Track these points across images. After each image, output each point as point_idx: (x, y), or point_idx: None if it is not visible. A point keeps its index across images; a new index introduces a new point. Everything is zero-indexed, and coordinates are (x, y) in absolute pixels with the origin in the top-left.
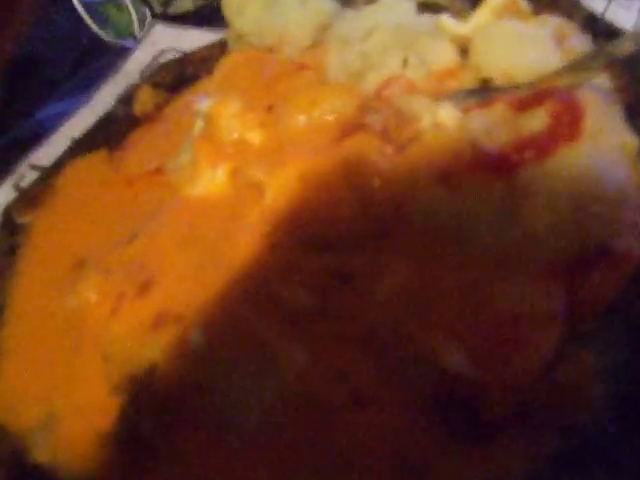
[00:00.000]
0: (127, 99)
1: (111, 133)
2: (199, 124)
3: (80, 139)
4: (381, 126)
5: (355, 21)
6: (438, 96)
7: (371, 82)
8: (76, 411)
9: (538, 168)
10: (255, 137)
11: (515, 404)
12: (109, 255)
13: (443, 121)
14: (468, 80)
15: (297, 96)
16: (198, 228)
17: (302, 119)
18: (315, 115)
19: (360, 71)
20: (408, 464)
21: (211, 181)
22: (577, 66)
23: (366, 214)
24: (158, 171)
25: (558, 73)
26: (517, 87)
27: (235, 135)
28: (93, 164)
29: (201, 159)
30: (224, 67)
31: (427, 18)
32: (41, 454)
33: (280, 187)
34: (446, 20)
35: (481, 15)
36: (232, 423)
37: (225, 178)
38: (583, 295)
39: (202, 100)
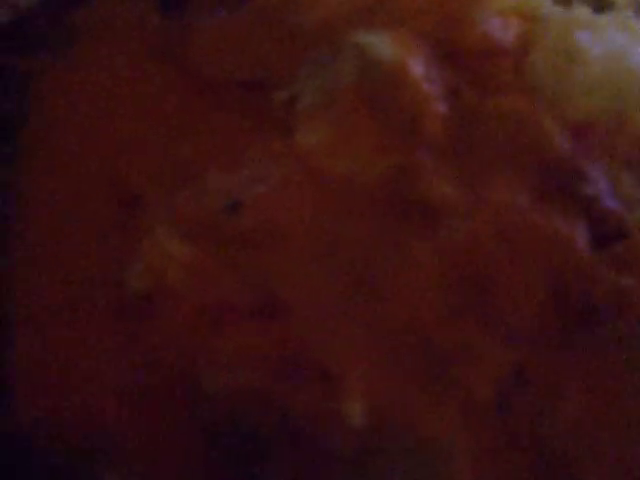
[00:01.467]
0: None
1: None
2: (352, 65)
3: None
4: None
5: None
6: None
7: None
8: None
9: None
10: (435, 125)
11: None
12: (186, 207)
13: None
14: None
15: None
16: (343, 228)
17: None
18: None
19: None
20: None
21: (365, 163)
22: None
23: (560, 304)
24: (253, 86)
25: None
26: None
27: (411, 110)
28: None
29: (354, 128)
30: None
31: None
32: None
33: (480, 224)
34: None
35: None
36: None
37: (381, 169)
38: None
39: (370, 35)
